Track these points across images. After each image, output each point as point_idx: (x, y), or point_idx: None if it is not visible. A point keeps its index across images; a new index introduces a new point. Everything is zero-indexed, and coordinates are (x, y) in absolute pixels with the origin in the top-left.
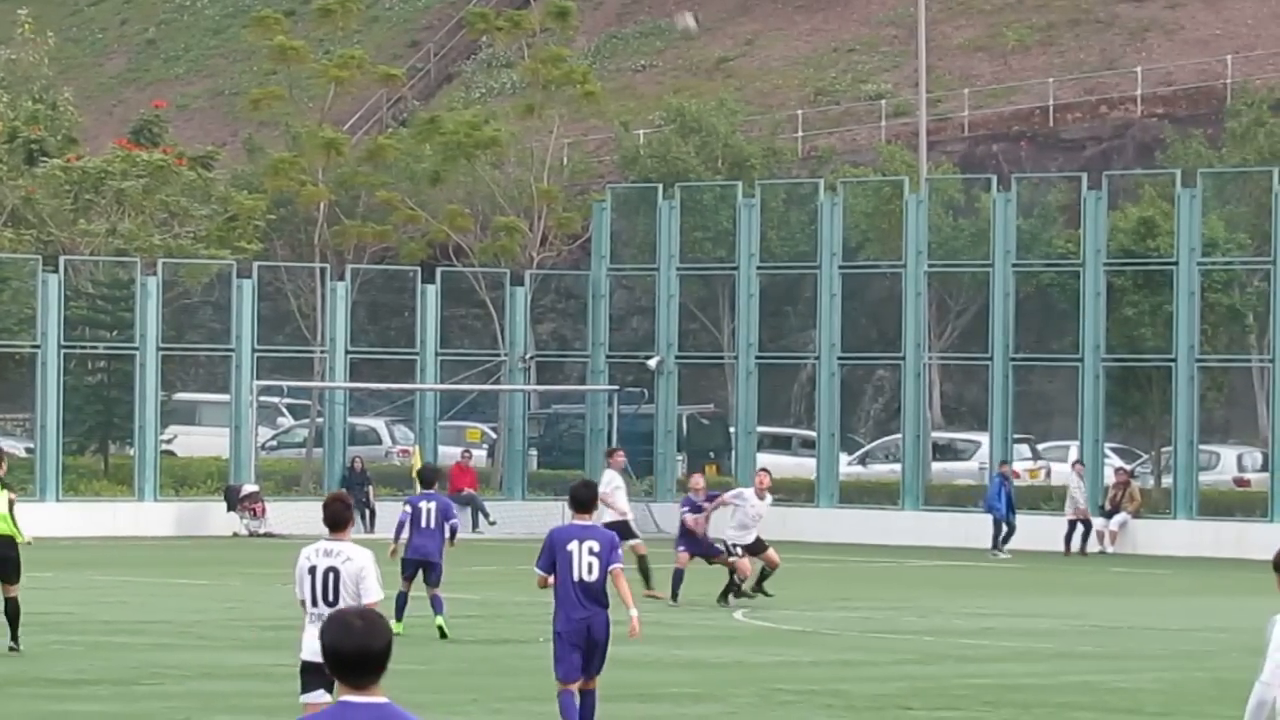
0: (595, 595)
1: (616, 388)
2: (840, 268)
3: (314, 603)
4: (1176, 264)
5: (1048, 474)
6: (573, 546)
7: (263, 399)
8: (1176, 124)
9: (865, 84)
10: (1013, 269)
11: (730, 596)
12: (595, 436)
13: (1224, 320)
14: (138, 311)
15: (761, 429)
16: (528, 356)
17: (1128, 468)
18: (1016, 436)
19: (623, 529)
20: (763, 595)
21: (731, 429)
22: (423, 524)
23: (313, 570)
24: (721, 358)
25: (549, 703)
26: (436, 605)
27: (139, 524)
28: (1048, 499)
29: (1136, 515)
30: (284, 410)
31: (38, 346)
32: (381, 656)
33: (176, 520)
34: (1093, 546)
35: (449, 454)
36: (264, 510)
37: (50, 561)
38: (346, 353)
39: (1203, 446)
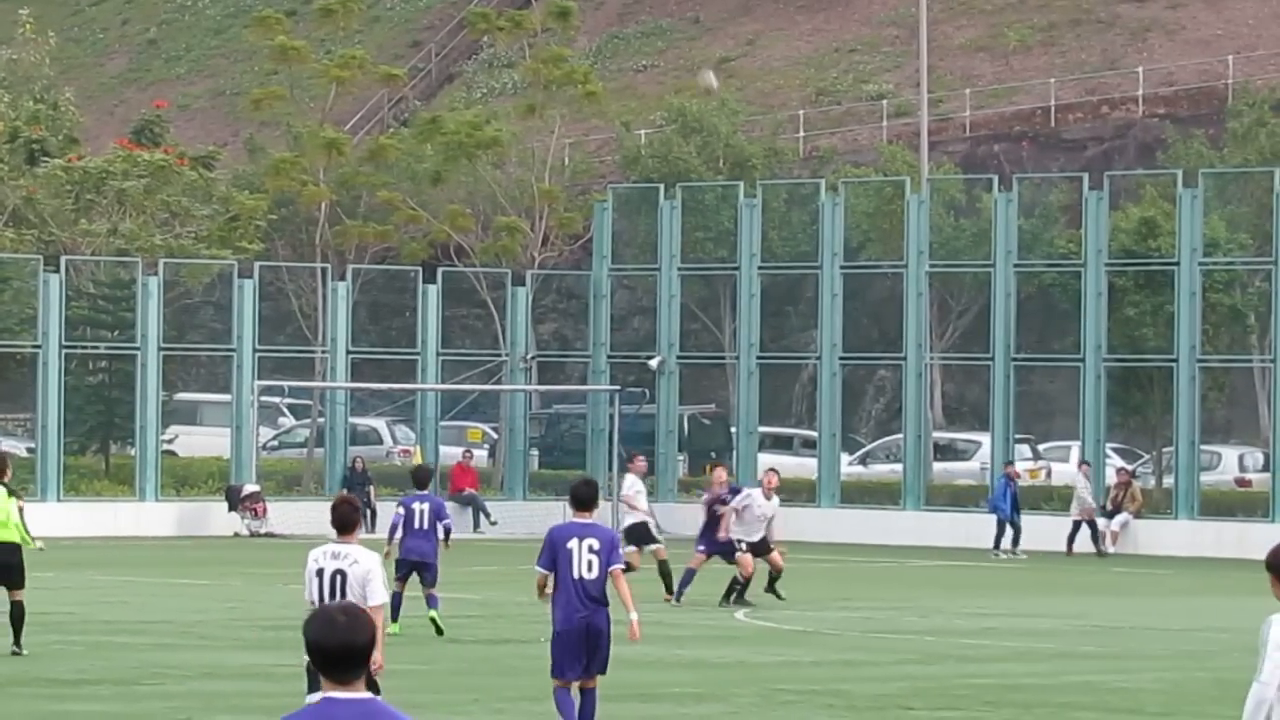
0: (595, 593)
1: (618, 388)
2: (842, 268)
3: (322, 604)
4: (1178, 264)
5: (1048, 474)
6: (573, 544)
7: (264, 399)
8: (1178, 124)
9: (867, 84)
10: (1014, 269)
11: (732, 599)
12: (596, 437)
13: (1225, 320)
14: (139, 311)
15: (763, 429)
16: (529, 356)
17: (1129, 468)
18: (1017, 437)
19: (643, 533)
20: (775, 597)
21: (733, 429)
22: (416, 525)
23: (320, 572)
24: (723, 358)
25: (550, 702)
26: (431, 602)
27: (140, 524)
28: (1049, 499)
29: (1138, 515)
30: (285, 410)
31: (39, 346)
32: (365, 651)
33: (178, 520)
34: (1088, 545)
35: (450, 454)
36: (265, 510)
37: (51, 562)
38: (348, 353)
39: (1204, 447)
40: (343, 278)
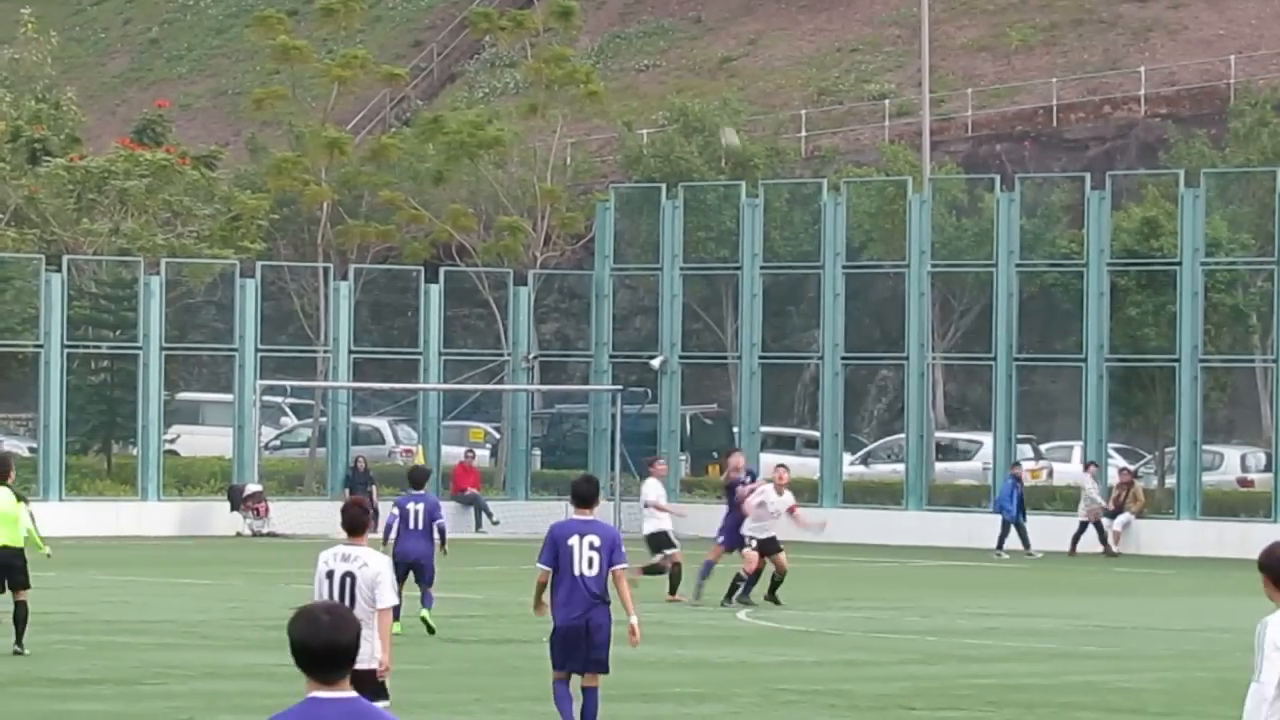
0: (596, 590)
1: (620, 388)
2: (844, 268)
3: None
4: (1180, 264)
5: (1050, 474)
6: (573, 541)
7: (266, 399)
8: (1180, 124)
9: (868, 84)
10: (1016, 269)
11: (734, 597)
12: (598, 437)
13: (1227, 320)
14: (141, 311)
15: (765, 429)
16: (531, 356)
17: (1131, 468)
18: (1019, 437)
19: (663, 540)
20: (773, 603)
21: (735, 429)
22: (411, 525)
23: (330, 574)
24: (725, 358)
25: (552, 703)
26: (426, 601)
27: (142, 524)
28: (1051, 499)
29: (1140, 515)
30: (287, 410)
31: (41, 346)
32: (350, 651)
33: (180, 520)
34: (1098, 546)
35: (452, 454)
36: (267, 510)
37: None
38: (350, 352)
39: (1206, 447)
40: (345, 277)
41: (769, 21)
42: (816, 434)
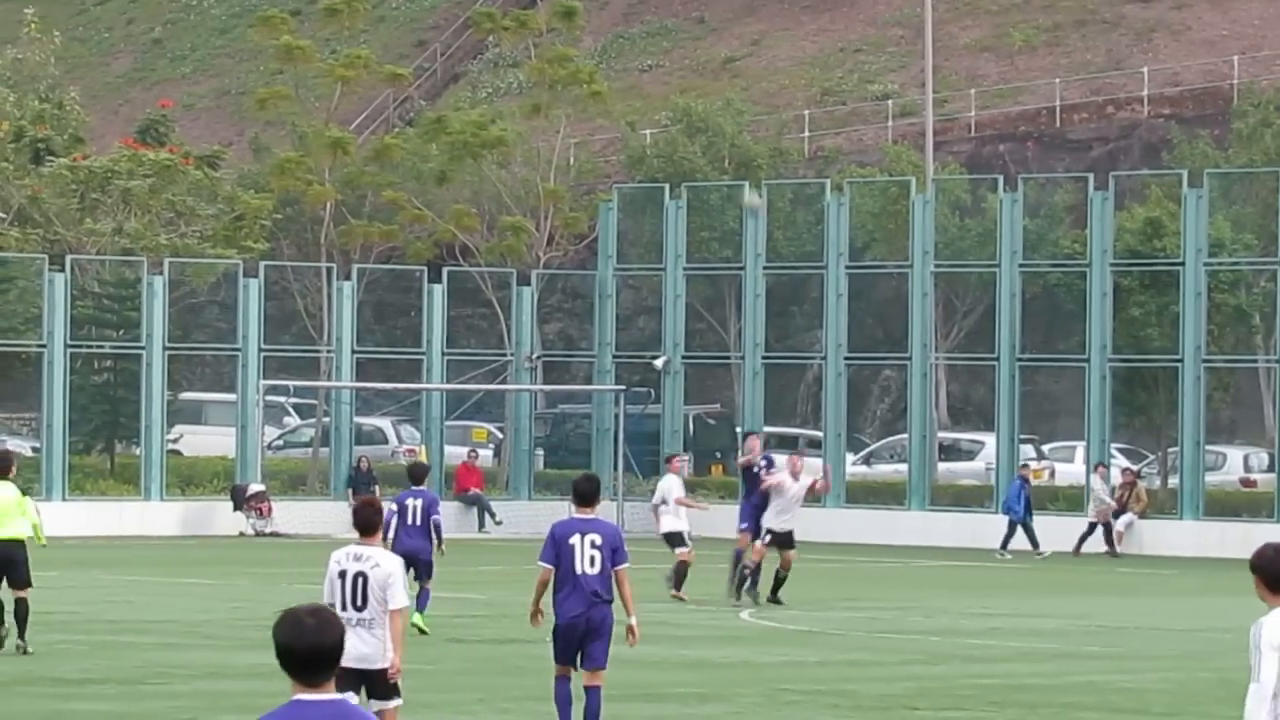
0: (597, 588)
1: (623, 388)
2: (847, 268)
3: (343, 607)
4: (1183, 264)
5: (1052, 474)
6: (574, 540)
7: (269, 398)
8: (1183, 124)
9: (872, 84)
10: (1019, 269)
11: (741, 591)
12: (601, 436)
13: (1230, 321)
14: (144, 311)
15: (768, 429)
16: (534, 356)
17: (1134, 468)
18: (1022, 437)
19: (677, 540)
20: (775, 604)
21: (738, 429)
22: (409, 521)
23: (343, 574)
24: (728, 358)
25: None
26: (421, 602)
27: (145, 523)
28: (1054, 499)
29: (1143, 516)
30: (290, 410)
31: (44, 346)
32: (334, 653)
33: (182, 520)
34: (1101, 547)
35: (455, 454)
36: (270, 510)
37: (56, 561)
38: (353, 352)
39: (1209, 447)
40: (348, 277)
41: (772, 22)
42: (819, 434)
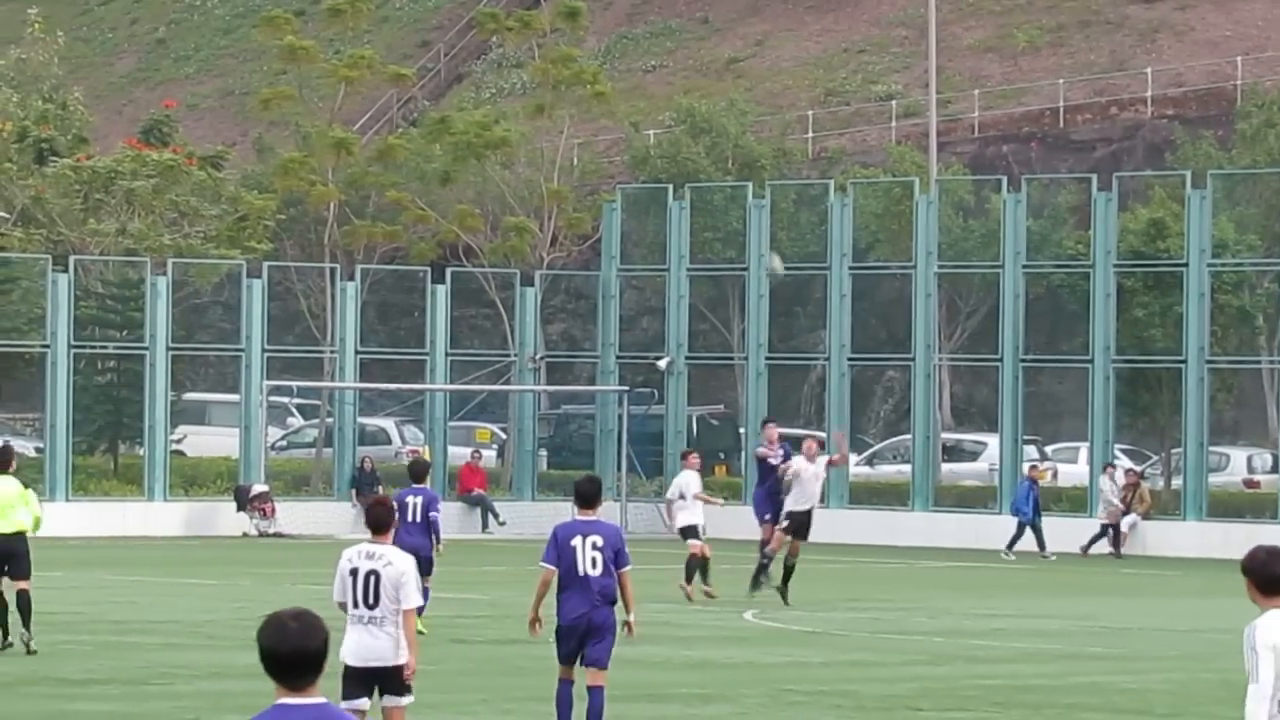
0: (599, 590)
1: (626, 388)
2: (850, 268)
3: (354, 605)
4: (1186, 265)
5: (1055, 475)
6: (576, 541)
7: (272, 399)
8: (1187, 125)
9: (875, 85)
10: (1023, 270)
11: (761, 583)
12: (605, 437)
13: (1234, 321)
14: (147, 311)
15: None
16: (538, 357)
17: (1137, 469)
18: (1026, 438)
19: (690, 531)
20: (782, 597)
21: (741, 430)
22: (409, 518)
23: (354, 572)
24: (731, 358)
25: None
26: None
27: (148, 524)
28: (1057, 500)
29: (1146, 516)
30: (294, 410)
31: (47, 346)
32: (318, 656)
33: (186, 520)
34: (1103, 547)
35: (459, 454)
36: (273, 510)
37: (60, 561)
38: (356, 353)
39: (1212, 448)
40: (351, 278)
41: (776, 22)
42: (823, 435)
